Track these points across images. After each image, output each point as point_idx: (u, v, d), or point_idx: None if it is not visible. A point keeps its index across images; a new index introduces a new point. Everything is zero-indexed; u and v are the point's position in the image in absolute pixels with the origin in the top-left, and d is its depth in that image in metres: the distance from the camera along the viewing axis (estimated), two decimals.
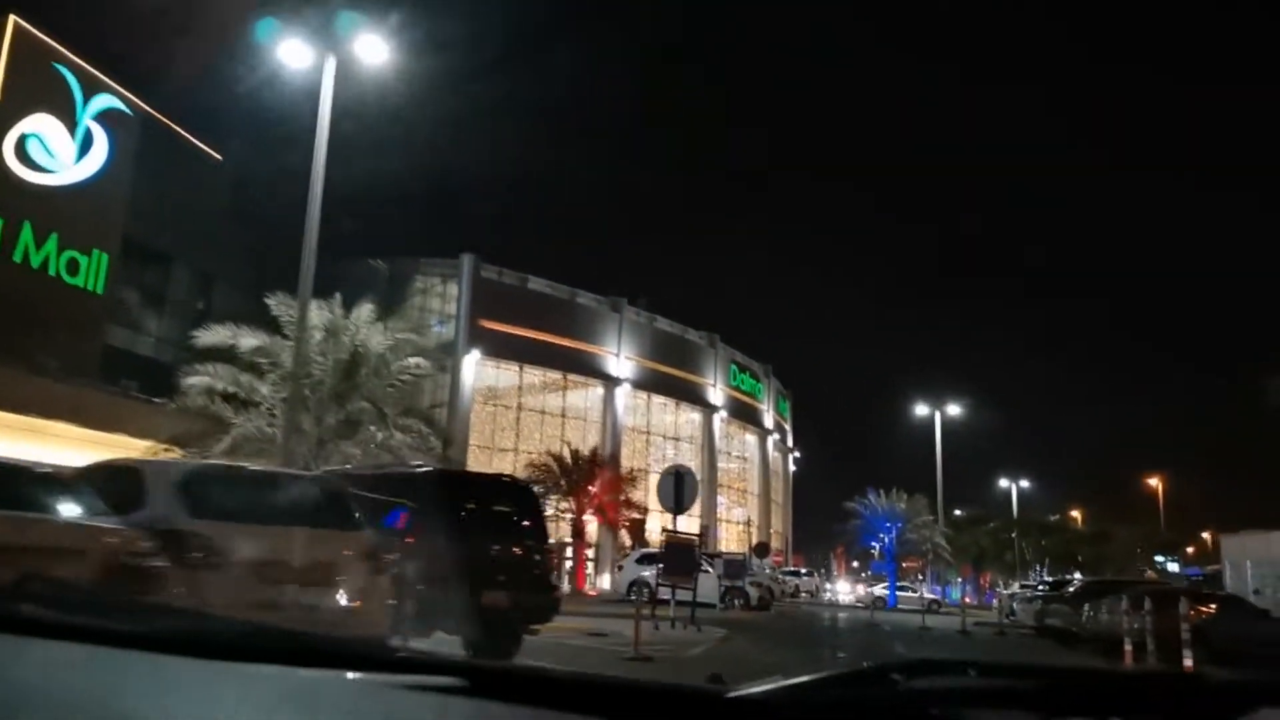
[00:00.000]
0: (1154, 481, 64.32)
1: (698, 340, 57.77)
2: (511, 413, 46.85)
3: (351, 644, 1.30)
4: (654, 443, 54.07)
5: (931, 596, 39.64)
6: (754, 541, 46.15)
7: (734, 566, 23.85)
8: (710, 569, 24.71)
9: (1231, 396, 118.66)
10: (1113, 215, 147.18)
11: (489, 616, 7.15)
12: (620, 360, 50.34)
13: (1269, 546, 19.59)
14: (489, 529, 7.65)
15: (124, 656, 1.17)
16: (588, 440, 49.82)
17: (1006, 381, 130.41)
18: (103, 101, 38.78)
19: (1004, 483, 58.78)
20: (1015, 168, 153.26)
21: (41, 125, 35.32)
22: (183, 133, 44.20)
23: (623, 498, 30.95)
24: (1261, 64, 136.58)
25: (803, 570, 56.21)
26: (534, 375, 47.67)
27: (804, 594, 49.34)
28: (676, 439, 55.84)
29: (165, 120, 42.87)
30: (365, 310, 18.06)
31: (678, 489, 14.42)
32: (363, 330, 17.81)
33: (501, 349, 45.31)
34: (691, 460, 56.88)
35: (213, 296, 49.09)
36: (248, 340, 16.43)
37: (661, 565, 14.98)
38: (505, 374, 46.75)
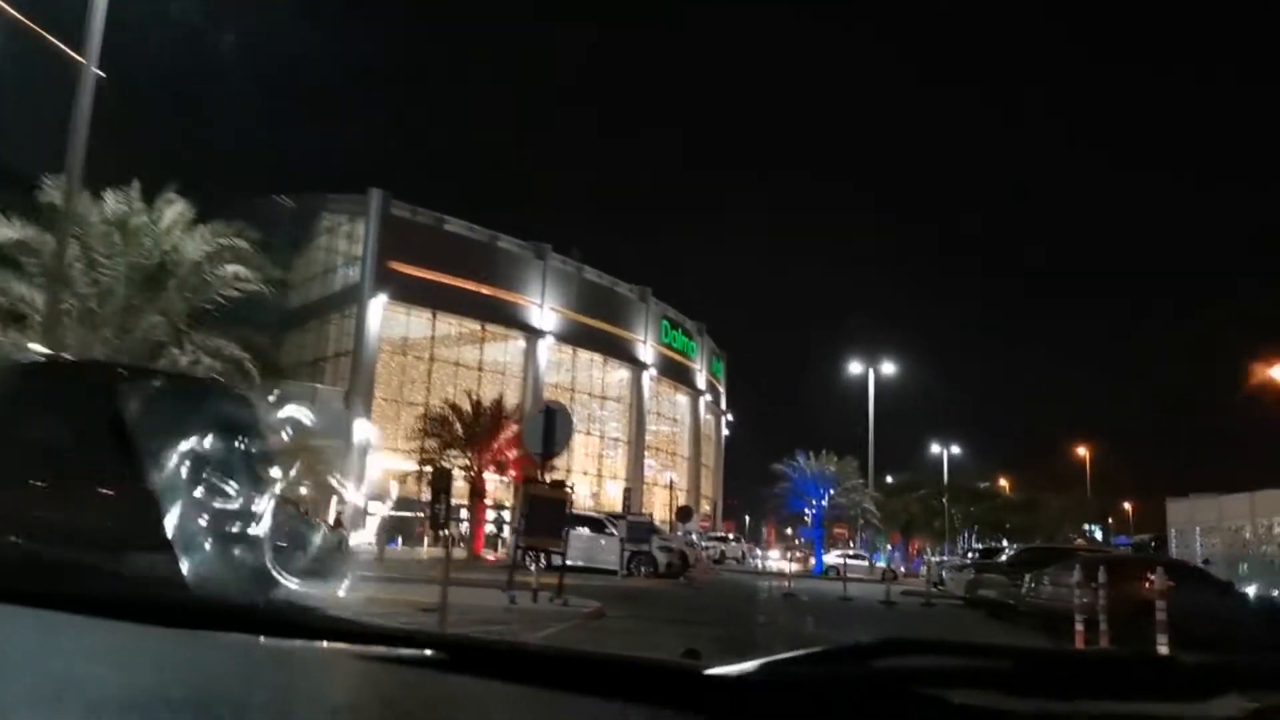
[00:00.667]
0: (1082, 450, 64.14)
1: (628, 293, 54.79)
2: (423, 364, 43.41)
3: (322, 615, 1.22)
4: (579, 400, 51.10)
5: (886, 566, 37.24)
6: (679, 505, 43.74)
7: (638, 529, 21.22)
8: (613, 532, 22.04)
9: (1154, 369, 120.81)
10: (1046, 181, 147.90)
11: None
12: (544, 311, 47.17)
13: (1221, 511, 17.62)
14: (132, 456, 4.44)
15: (90, 623, 1.16)
16: (507, 396, 46.78)
17: (940, 349, 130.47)
18: None
19: (935, 449, 57.57)
20: (954, 131, 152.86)
21: None
22: (52, 40, 39.41)
23: (522, 454, 28.02)
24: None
25: (731, 536, 54.18)
26: (449, 324, 44.25)
27: (730, 560, 47.36)
28: (603, 397, 53.07)
29: (28, 23, 38.08)
30: (177, 208, 14.60)
31: (547, 429, 11.50)
32: (175, 233, 14.37)
33: (413, 294, 41.75)
34: (618, 420, 54.24)
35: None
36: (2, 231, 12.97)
37: (522, 524, 12.10)
38: (417, 322, 43.23)
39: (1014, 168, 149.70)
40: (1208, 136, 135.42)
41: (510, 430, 28.42)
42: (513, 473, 28.22)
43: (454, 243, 44.46)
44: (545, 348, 47.31)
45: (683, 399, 61.54)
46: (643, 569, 21.47)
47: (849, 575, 23.03)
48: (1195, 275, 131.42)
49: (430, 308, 43.03)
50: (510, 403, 46.71)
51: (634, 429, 53.95)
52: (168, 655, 1.06)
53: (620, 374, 54.12)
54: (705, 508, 62.34)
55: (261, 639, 1.14)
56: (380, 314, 40.96)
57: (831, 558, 37.13)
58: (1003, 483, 63.13)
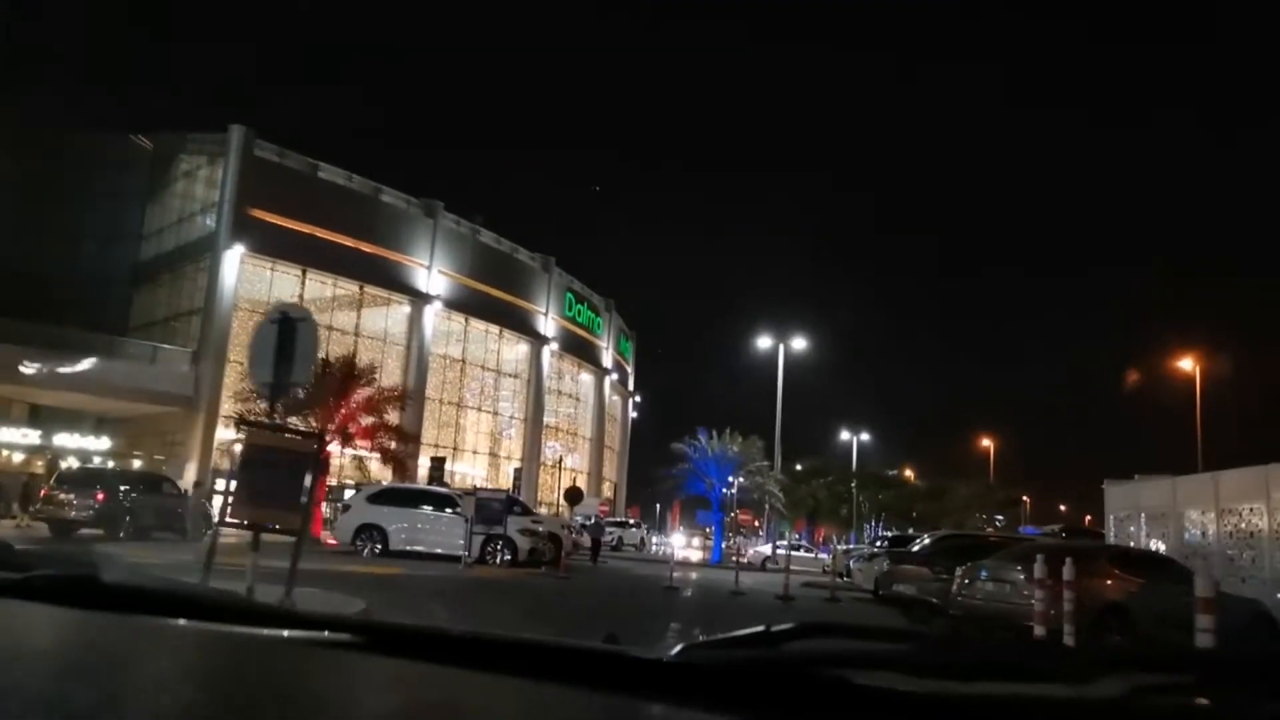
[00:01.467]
0: (985, 441, 63.27)
1: (529, 261, 50.59)
2: None
3: (242, 599, 1.22)
4: (471, 374, 46.87)
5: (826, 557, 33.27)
6: (569, 486, 39.84)
7: (489, 509, 17.29)
8: (459, 510, 18.07)
9: (1049, 366, 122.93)
10: (959, 166, 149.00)
11: None
12: (432, 274, 42.65)
13: (1175, 495, 14.83)
14: None
15: (9, 606, 1.17)
16: (388, 367, 42.15)
17: (848, 336, 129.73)
18: None
19: (844, 435, 55.40)
20: (877, 111, 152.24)
21: None
22: None
23: (374, 421, 23.77)
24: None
25: (632, 521, 50.74)
26: (322, 283, 39.29)
27: (628, 547, 43.98)
28: (498, 371, 48.82)
29: None
30: None
31: (282, 346, 7.50)
32: None
33: (279, 246, 36.72)
34: (515, 397, 50.18)
35: None
36: None
37: (233, 488, 8.01)
38: (284, 279, 38.16)
39: (926, 149, 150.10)
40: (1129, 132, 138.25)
41: (361, 394, 24.13)
42: (362, 444, 23.91)
43: (330, 192, 39.52)
44: (433, 314, 42.83)
45: (587, 377, 57.77)
46: (501, 557, 17.61)
47: (784, 568, 19.56)
48: (1098, 265, 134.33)
49: (299, 263, 38.06)
50: (393, 372, 42.34)
51: (532, 407, 49.92)
52: (86, 637, 1.05)
53: (519, 348, 49.97)
54: (607, 491, 58.80)
55: (180, 622, 1.12)
56: (237, 267, 35.84)
57: (766, 548, 33.40)
58: (908, 471, 61.64)
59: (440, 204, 43.75)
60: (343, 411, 23.41)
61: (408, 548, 18.09)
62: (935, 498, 49.75)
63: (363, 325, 40.99)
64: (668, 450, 38.23)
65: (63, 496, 18.86)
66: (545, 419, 51.17)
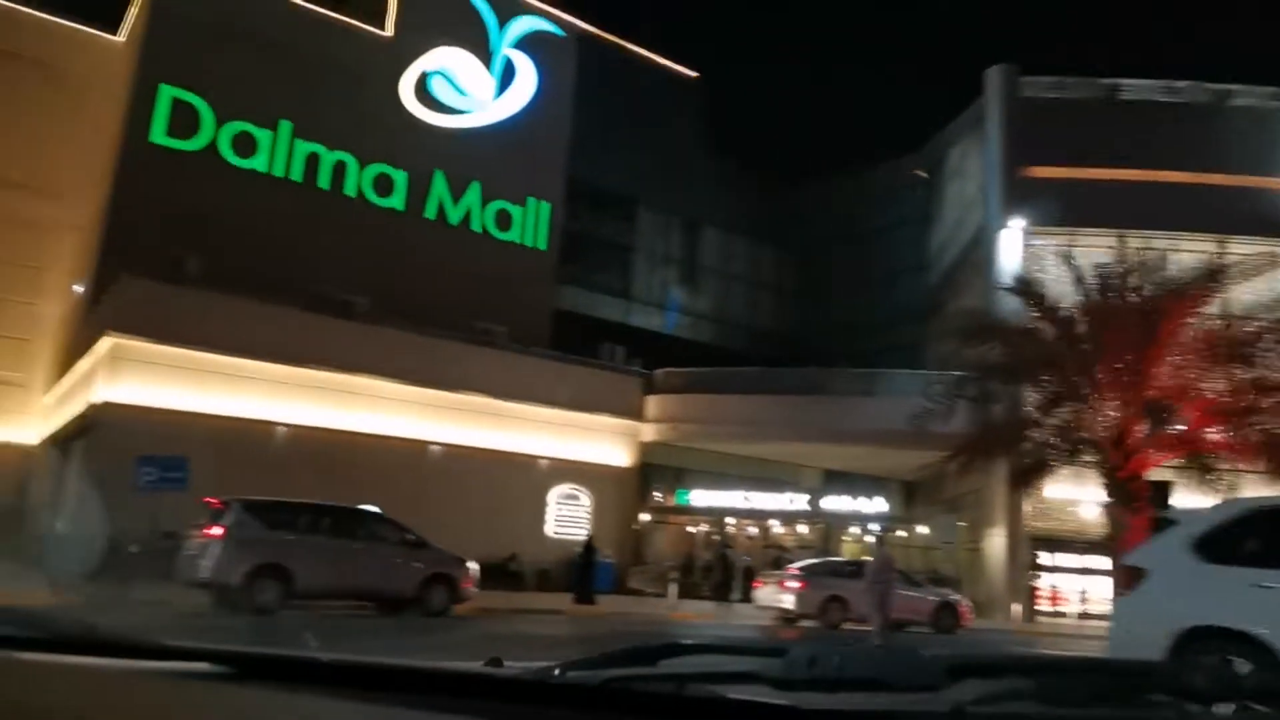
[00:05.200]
0: None
1: None
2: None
3: (109, 631, 1.19)
4: None
5: None
6: None
7: None
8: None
9: None
10: None
11: None
12: None
13: None
14: None
15: None
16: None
17: None
18: (525, 25, 33.27)
19: None
20: None
21: (447, 60, 30.89)
22: (636, 49, 36.54)
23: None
24: None
25: None
26: (1148, 249, 25.87)
27: None
28: None
29: (611, 38, 35.74)
30: None
31: None
32: None
33: (1077, 209, 25.42)
34: None
35: (696, 243, 39.63)
36: None
37: None
38: (1090, 254, 26.18)
39: None
40: None
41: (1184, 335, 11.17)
42: (1213, 431, 10.74)
43: (1136, 116, 26.51)
44: None
45: None
46: None
47: None
48: None
49: (1109, 226, 25.79)
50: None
51: None
52: None
53: None
54: None
55: (51, 656, 1.08)
56: (1020, 249, 25.74)
57: None
58: None
59: None
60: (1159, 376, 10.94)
61: None
62: None
63: (1228, 297, 25.58)
64: None
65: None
66: None
